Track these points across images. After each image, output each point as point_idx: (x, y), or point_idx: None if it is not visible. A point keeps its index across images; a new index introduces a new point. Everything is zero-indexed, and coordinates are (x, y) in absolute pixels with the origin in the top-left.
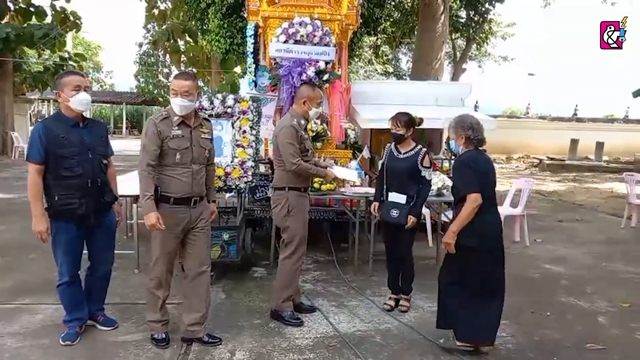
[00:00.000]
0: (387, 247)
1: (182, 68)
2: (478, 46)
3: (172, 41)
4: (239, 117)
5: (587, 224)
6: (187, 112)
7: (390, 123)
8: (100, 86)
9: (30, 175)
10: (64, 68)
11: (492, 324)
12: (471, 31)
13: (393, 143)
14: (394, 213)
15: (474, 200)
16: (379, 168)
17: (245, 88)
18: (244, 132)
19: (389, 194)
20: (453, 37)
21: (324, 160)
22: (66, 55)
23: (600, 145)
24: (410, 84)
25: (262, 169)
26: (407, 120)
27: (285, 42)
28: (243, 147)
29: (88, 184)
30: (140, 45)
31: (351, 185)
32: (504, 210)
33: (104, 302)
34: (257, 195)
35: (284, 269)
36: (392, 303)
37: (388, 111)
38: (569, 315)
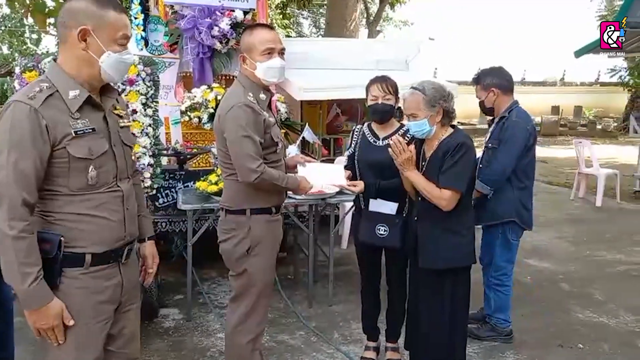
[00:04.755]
0: (365, 274)
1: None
2: (391, 6)
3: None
4: (123, 90)
5: (535, 198)
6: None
7: (372, 90)
8: None
9: None
10: None
11: None
12: None
13: (367, 124)
14: (382, 230)
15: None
16: (346, 160)
17: (132, 48)
18: (134, 112)
19: (370, 201)
20: None
21: (288, 154)
22: None
23: None
24: (345, 43)
25: (163, 161)
26: (396, 85)
27: None
28: (134, 134)
29: None
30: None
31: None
32: None
33: None
34: (160, 202)
35: (235, 345)
36: (373, 355)
37: (324, 78)
38: (605, 345)
